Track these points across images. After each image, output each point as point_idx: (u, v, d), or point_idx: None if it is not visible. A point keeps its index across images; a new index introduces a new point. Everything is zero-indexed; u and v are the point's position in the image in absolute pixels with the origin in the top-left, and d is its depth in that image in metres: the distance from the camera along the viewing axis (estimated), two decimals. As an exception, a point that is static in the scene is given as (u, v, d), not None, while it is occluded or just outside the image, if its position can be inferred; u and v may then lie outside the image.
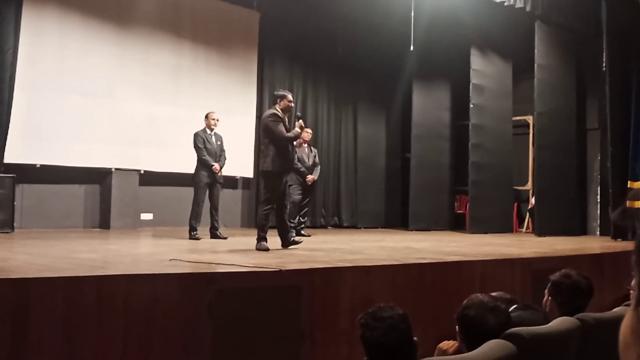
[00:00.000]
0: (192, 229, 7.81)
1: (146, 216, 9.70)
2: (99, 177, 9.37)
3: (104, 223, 9.29)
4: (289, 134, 6.43)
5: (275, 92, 6.97)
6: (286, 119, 6.56)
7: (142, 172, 9.59)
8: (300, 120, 6.62)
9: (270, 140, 6.37)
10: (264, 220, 6.37)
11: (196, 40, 10.26)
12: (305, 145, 9.29)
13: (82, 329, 3.52)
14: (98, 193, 9.40)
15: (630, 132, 10.28)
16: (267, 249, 6.18)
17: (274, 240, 6.54)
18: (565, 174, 10.95)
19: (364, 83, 12.52)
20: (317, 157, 9.42)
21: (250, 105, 10.97)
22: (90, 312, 3.56)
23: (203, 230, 7.94)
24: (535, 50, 10.53)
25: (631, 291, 0.50)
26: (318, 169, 9.40)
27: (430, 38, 10.88)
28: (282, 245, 6.50)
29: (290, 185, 9.05)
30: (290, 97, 6.62)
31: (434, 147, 12.20)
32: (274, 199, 6.43)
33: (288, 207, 6.80)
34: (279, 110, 6.46)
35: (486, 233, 10.53)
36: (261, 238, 6.31)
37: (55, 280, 3.62)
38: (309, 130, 9.53)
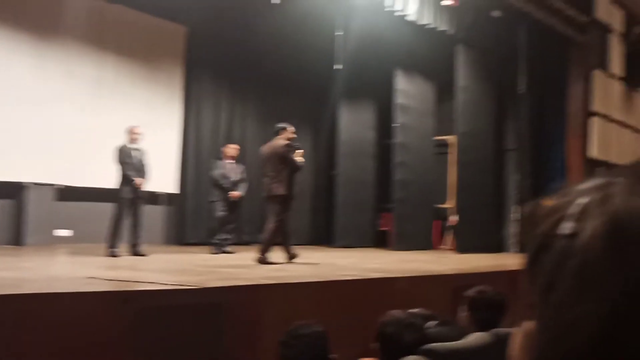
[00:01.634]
0: (112, 245, 7.57)
1: (64, 232, 9.36)
2: (13, 192, 8.98)
3: (18, 239, 8.90)
4: (300, 164, 7.28)
5: (279, 124, 7.57)
6: None
7: (60, 186, 9.27)
8: (301, 150, 7.35)
9: (284, 167, 7.08)
10: (271, 238, 7.06)
11: (120, 52, 10.04)
12: (232, 161, 9.22)
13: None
14: (11, 208, 9.01)
15: (545, 152, 10.74)
16: (273, 263, 6.85)
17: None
18: (485, 192, 11.30)
19: (291, 100, 12.55)
20: (244, 173, 9.34)
21: (174, 119, 10.82)
22: (4, 331, 3.39)
23: (123, 247, 7.72)
24: (457, 72, 10.87)
25: None
26: (245, 185, 9.32)
27: (357, 57, 11.06)
28: (288, 259, 7.12)
29: (214, 202, 8.98)
30: (292, 128, 7.44)
31: (360, 165, 12.36)
32: (285, 220, 7.19)
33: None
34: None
35: (409, 250, 10.71)
36: (265, 253, 6.95)
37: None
38: (236, 146, 9.49)
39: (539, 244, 0.49)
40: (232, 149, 9.34)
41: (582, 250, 0.45)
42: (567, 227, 0.47)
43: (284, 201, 7.14)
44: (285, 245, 7.29)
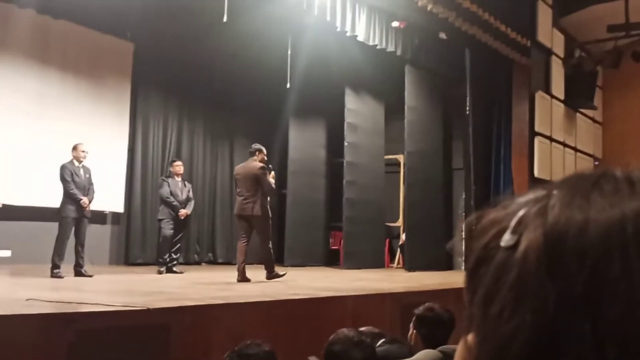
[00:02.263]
0: (55, 266, 7.34)
1: (4, 253, 9.03)
2: (-49, 211, 8.66)
3: (-44, 260, 8.56)
4: (274, 185, 7.59)
5: (254, 146, 7.80)
6: None
7: (0, 205, 8.97)
8: (273, 172, 7.62)
9: (258, 188, 7.35)
10: (271, 255, 7.48)
11: (65, 68, 9.83)
12: (179, 179, 9.11)
13: None
14: (-51, 228, 8.67)
15: (491, 172, 10.96)
16: (282, 275, 7.44)
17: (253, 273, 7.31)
18: (433, 211, 11.43)
19: (241, 118, 12.51)
20: (191, 192, 9.23)
21: (122, 137, 10.63)
22: None
23: (67, 268, 7.50)
24: (405, 92, 11.01)
25: None
26: (192, 204, 9.20)
27: (307, 76, 11.10)
28: (268, 278, 7.37)
29: (161, 220, 8.83)
30: (265, 150, 7.70)
31: (310, 183, 12.36)
32: (270, 237, 7.51)
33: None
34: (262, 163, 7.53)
35: (359, 268, 10.72)
36: (273, 269, 7.41)
37: None
38: (180, 163, 9.37)
39: (479, 257, 0.49)
40: (180, 166, 9.24)
41: (520, 262, 0.45)
42: (505, 239, 0.47)
43: (263, 221, 7.42)
44: (244, 265, 7.42)
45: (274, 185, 7.63)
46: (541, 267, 0.44)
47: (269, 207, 7.51)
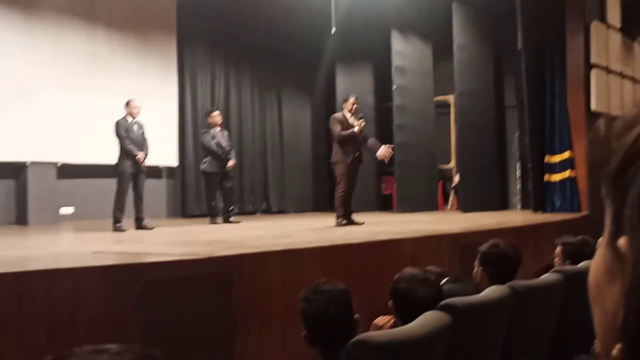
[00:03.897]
0: (117, 220, 7.53)
1: (66, 210, 9.32)
2: (13, 172, 8.92)
3: (21, 219, 8.86)
4: (343, 132, 7.59)
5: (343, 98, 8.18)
6: (353, 118, 7.77)
7: (59, 164, 9.20)
8: (362, 120, 7.75)
9: (334, 137, 7.74)
10: (340, 202, 7.65)
11: (111, 25, 9.89)
12: (219, 129, 9.04)
13: (2, 326, 3.32)
14: (13, 188, 8.96)
15: (545, 108, 10.64)
16: (345, 224, 7.54)
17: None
18: (486, 151, 11.23)
19: (287, 67, 12.43)
20: (231, 140, 9.22)
21: (171, 91, 10.71)
22: (10, 309, 3.37)
23: (128, 221, 7.69)
24: (454, 30, 10.71)
25: (604, 234, 0.46)
26: (234, 152, 9.21)
27: (352, 20, 10.90)
28: (347, 224, 7.62)
29: (208, 172, 8.84)
30: (352, 99, 7.85)
31: (359, 129, 12.26)
32: (345, 184, 7.63)
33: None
34: (343, 112, 7.79)
35: (413, 212, 10.69)
36: (340, 217, 7.62)
37: (-30, 279, 3.41)
38: (218, 112, 9.30)
39: (627, 154, 0.44)
40: (219, 116, 9.18)
41: None
42: None
43: (336, 167, 7.73)
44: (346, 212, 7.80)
45: (346, 132, 7.58)
46: None
47: (344, 156, 7.61)
